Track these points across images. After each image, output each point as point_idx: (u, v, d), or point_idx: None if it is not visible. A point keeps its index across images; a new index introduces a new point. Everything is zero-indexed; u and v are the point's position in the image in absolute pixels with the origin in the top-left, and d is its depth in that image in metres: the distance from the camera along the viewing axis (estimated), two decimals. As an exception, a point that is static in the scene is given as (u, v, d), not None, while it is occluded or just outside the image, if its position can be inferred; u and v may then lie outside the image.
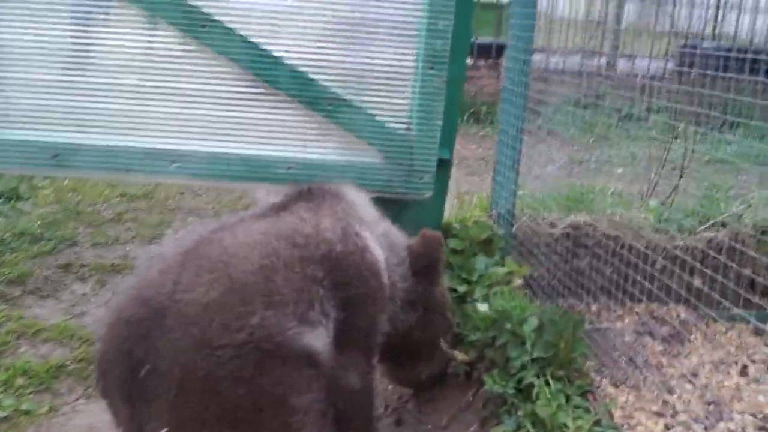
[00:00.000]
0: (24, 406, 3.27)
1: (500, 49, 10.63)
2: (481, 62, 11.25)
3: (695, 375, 3.49)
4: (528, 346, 2.91)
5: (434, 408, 3.29)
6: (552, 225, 4.24)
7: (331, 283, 2.58)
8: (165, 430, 2.32)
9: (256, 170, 3.61)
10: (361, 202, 2.96)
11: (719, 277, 3.45)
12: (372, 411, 2.82)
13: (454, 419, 3.12)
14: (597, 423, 2.71)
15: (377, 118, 3.64)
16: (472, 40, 11.14)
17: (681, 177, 4.89)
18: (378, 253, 2.78)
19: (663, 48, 5.33)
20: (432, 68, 3.65)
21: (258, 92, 3.62)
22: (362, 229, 2.78)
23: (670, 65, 5.54)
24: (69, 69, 3.58)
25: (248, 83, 3.61)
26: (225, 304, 2.36)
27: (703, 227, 4.35)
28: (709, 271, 3.58)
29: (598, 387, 3.01)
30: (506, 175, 4.00)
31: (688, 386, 3.35)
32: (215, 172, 3.61)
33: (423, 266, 3.03)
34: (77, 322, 4.03)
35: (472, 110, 9.39)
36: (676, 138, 4.93)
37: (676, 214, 4.49)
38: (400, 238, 3.08)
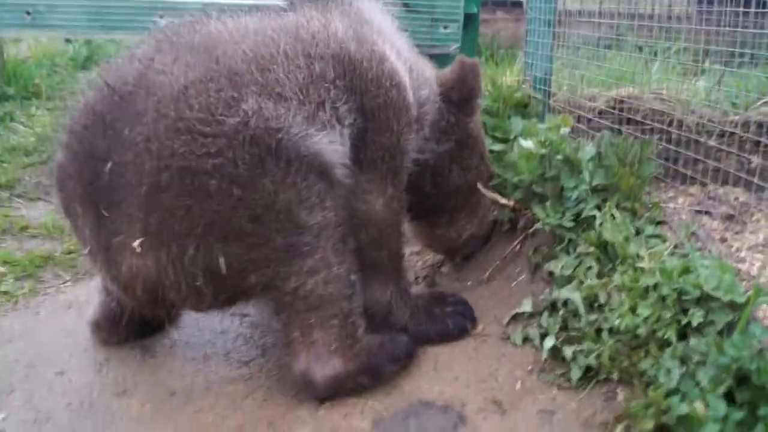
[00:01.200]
0: (2, 288, 2.91)
1: (513, 3, 10.68)
2: (498, 12, 10.89)
3: (766, 246, 3.05)
4: (585, 174, 2.44)
5: (474, 263, 2.82)
6: (593, 99, 3.77)
7: (346, 87, 2.16)
8: (138, 241, 1.86)
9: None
10: (376, 10, 2.51)
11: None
12: (399, 244, 2.38)
13: (499, 272, 2.66)
14: (678, 247, 2.24)
15: (390, -45, 3.18)
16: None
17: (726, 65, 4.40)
18: (399, 65, 2.34)
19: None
20: None
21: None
22: (379, 37, 2.33)
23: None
24: None
25: None
26: (209, 85, 1.93)
27: (761, 101, 3.87)
28: None
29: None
30: (541, 32, 3.51)
31: (760, 256, 2.91)
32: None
33: (458, 95, 2.59)
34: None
35: (489, 52, 8.93)
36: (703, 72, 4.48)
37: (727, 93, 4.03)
38: (422, 59, 2.65)
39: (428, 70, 2.61)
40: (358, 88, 2.18)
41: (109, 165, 1.90)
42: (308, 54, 2.11)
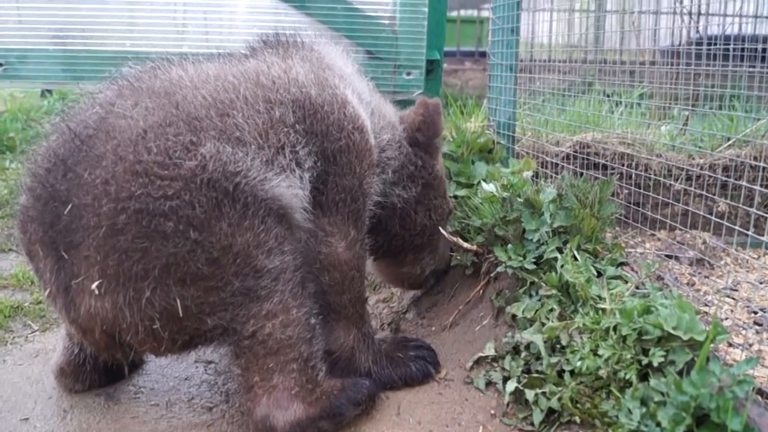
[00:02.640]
0: (-31, 339, 2.88)
1: (481, 54, 10.92)
2: (467, 62, 11.08)
3: (734, 290, 3.08)
4: (546, 216, 2.45)
5: (438, 310, 2.82)
6: (557, 143, 3.82)
7: (306, 130, 2.19)
8: (96, 283, 1.85)
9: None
10: (337, 55, 2.54)
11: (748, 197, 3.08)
12: (362, 288, 2.38)
13: (463, 317, 2.66)
14: (639, 288, 2.25)
15: (355, 6, 3.23)
16: (456, 49, 11.36)
17: (693, 106, 4.48)
18: (360, 110, 2.37)
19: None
20: (412, -52, 3.27)
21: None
22: (341, 82, 2.36)
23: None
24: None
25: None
26: (168, 130, 1.95)
27: (724, 145, 3.94)
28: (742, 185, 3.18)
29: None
30: (503, 78, 3.56)
31: (728, 300, 2.94)
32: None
33: (425, 137, 2.63)
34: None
35: (459, 102, 9.02)
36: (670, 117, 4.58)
37: (692, 137, 4.10)
38: (384, 101, 2.70)
39: (390, 113, 2.66)
40: (320, 132, 2.21)
41: (68, 207, 1.90)
42: (268, 99, 2.15)
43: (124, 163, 1.89)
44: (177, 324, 1.96)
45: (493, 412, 2.21)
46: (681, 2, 4.00)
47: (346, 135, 2.26)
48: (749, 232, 2.33)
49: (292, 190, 2.09)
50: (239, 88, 2.11)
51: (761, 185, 3.70)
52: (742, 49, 4.39)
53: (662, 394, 1.83)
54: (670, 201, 3.27)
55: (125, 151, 1.91)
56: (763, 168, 3.63)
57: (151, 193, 1.86)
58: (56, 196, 1.94)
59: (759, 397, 1.88)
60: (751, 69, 4.18)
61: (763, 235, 3.21)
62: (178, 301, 1.91)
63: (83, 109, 2.11)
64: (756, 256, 3.59)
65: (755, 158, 3.80)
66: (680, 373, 1.88)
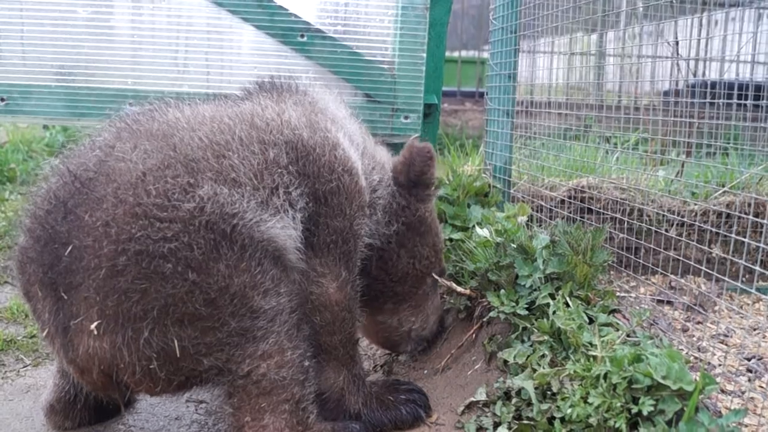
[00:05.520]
0: (-41, 372, 2.88)
1: (482, 95, 11.02)
2: (467, 103, 11.20)
3: (727, 336, 3.09)
4: (539, 262, 2.47)
5: (431, 353, 2.82)
6: (553, 188, 3.84)
7: (299, 172, 2.23)
8: (95, 324, 1.87)
9: (223, 110, 3.21)
10: (330, 99, 2.59)
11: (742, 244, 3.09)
12: (353, 329, 2.38)
13: (456, 360, 2.66)
14: (630, 335, 2.26)
15: (355, 51, 3.28)
16: (456, 89, 11.49)
17: (688, 154, 4.51)
18: (351, 152, 2.40)
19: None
20: (412, -8, 3.33)
21: (223, 24, 3.26)
22: (333, 125, 2.40)
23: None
24: (18, 6, 3.23)
25: (212, 16, 3.26)
26: (166, 172, 1.99)
27: (719, 192, 3.96)
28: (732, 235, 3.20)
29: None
30: (500, 122, 3.60)
31: (721, 346, 2.94)
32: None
33: (405, 178, 2.64)
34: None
35: (458, 143, 9.06)
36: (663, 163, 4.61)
37: (686, 183, 4.12)
38: (376, 144, 2.74)
39: (381, 155, 2.69)
40: (311, 174, 2.24)
41: (69, 249, 1.92)
42: (263, 140, 2.18)
43: (124, 206, 1.92)
44: (174, 364, 1.97)
45: (483, 458, 2.21)
46: (678, 52, 4.05)
47: (337, 177, 2.28)
48: (738, 284, 2.34)
49: (286, 231, 2.12)
50: (234, 130, 2.15)
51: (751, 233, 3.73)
52: (739, 97, 4.43)
53: (651, 443, 1.83)
54: (661, 250, 3.28)
55: (125, 193, 1.94)
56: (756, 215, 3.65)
57: (151, 235, 1.89)
58: (56, 237, 1.97)
59: (748, 448, 1.88)
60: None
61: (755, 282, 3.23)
62: (176, 341, 1.93)
63: (83, 151, 2.14)
64: (749, 302, 3.60)
65: (748, 205, 3.82)
66: (669, 422, 1.88)
